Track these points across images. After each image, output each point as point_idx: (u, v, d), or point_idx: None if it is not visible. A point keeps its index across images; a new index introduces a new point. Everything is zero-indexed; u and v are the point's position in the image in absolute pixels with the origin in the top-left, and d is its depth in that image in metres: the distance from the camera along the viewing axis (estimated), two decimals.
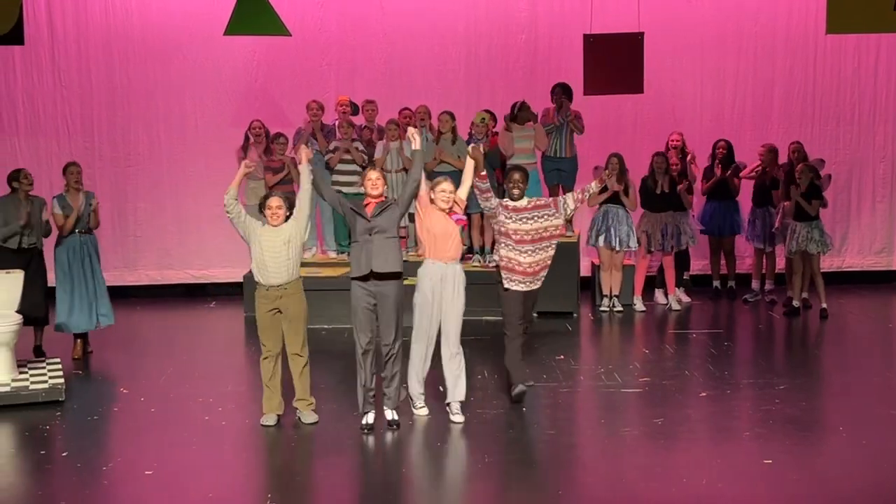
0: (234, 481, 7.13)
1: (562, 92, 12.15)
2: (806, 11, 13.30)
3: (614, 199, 11.91)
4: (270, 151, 12.20)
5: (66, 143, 13.19)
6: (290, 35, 11.17)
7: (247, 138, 12.26)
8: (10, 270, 9.57)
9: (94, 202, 10.42)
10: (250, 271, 12.20)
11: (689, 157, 12.38)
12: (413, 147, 8.39)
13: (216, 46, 12.66)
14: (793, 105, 13.59)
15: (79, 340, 10.53)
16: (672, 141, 12.45)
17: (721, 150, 12.51)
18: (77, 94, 13.21)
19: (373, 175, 8.26)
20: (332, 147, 12.08)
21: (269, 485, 7.05)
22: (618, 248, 11.99)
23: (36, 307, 10.05)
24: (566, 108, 12.07)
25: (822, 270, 11.79)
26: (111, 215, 13.22)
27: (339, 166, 12.06)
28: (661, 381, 9.24)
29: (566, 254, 11.93)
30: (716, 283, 12.88)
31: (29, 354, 10.06)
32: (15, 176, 10.17)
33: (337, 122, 12.30)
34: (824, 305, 11.69)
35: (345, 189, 12.11)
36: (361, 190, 12.01)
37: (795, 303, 11.75)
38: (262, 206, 8.32)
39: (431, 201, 8.26)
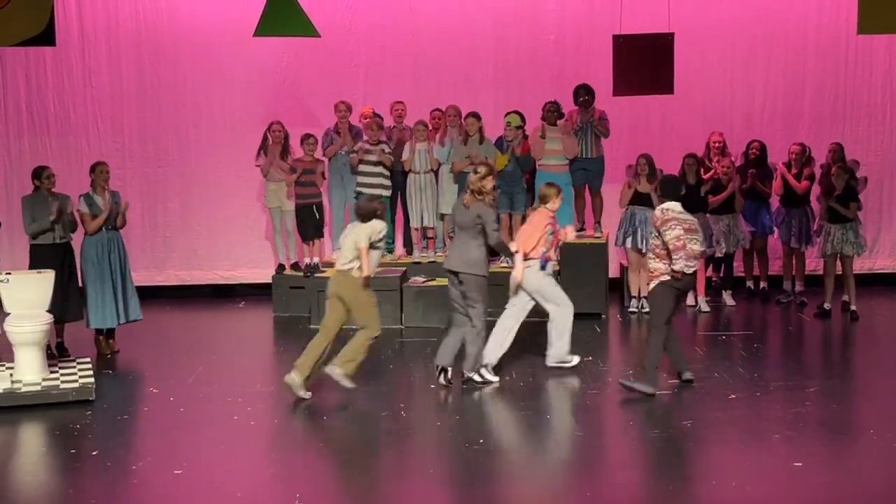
0: (263, 481, 7.15)
1: (584, 93, 12.13)
2: (837, 11, 13.21)
3: (642, 200, 11.86)
4: (288, 154, 12.20)
5: (96, 143, 13.27)
6: (320, 36, 11.19)
7: (265, 139, 12.28)
8: (42, 270, 9.64)
9: (125, 204, 10.50)
10: (277, 272, 12.38)
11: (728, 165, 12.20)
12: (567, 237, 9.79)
13: (246, 47, 12.68)
14: (824, 106, 13.50)
15: (111, 340, 10.61)
16: (714, 143, 12.35)
17: (754, 150, 12.42)
18: (107, 94, 13.30)
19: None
20: (355, 147, 12.09)
21: (297, 485, 7.06)
22: (645, 250, 11.95)
23: (74, 305, 10.17)
24: (590, 112, 12.08)
25: (853, 272, 11.73)
26: (141, 215, 13.29)
27: (363, 167, 12.06)
28: (690, 383, 9.20)
29: (594, 255, 11.92)
30: (749, 284, 12.82)
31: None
32: (38, 174, 10.27)
33: (363, 126, 12.32)
34: (854, 307, 11.62)
35: (367, 191, 12.14)
36: (387, 193, 12.15)
37: (826, 305, 11.68)
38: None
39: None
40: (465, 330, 8.99)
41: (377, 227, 8.79)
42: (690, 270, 8.65)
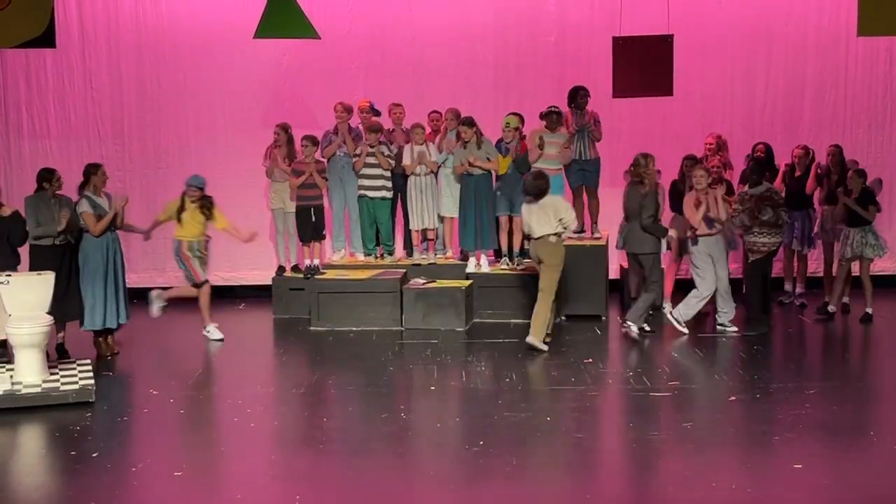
0: (263, 483, 7.15)
1: (579, 96, 12.14)
2: (837, 13, 13.21)
3: None
4: (293, 155, 12.21)
5: (96, 145, 13.29)
6: (320, 38, 11.19)
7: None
8: (42, 272, 9.64)
9: (124, 199, 10.54)
10: (278, 273, 12.38)
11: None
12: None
13: (245, 49, 12.70)
14: (824, 107, 13.50)
15: (110, 338, 10.62)
16: (707, 145, 12.33)
17: (760, 153, 12.36)
18: (107, 96, 13.31)
19: None
20: (357, 151, 12.10)
21: (297, 487, 7.06)
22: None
23: (74, 304, 10.19)
24: (585, 115, 12.09)
25: (852, 275, 11.74)
26: (141, 217, 13.24)
27: (364, 170, 12.08)
28: (690, 385, 9.20)
29: (594, 257, 11.91)
30: None
31: (52, 352, 10.12)
32: (47, 177, 10.25)
33: (360, 126, 12.32)
34: (869, 310, 11.59)
35: (370, 193, 12.15)
36: (388, 194, 12.15)
37: (831, 307, 11.68)
38: None
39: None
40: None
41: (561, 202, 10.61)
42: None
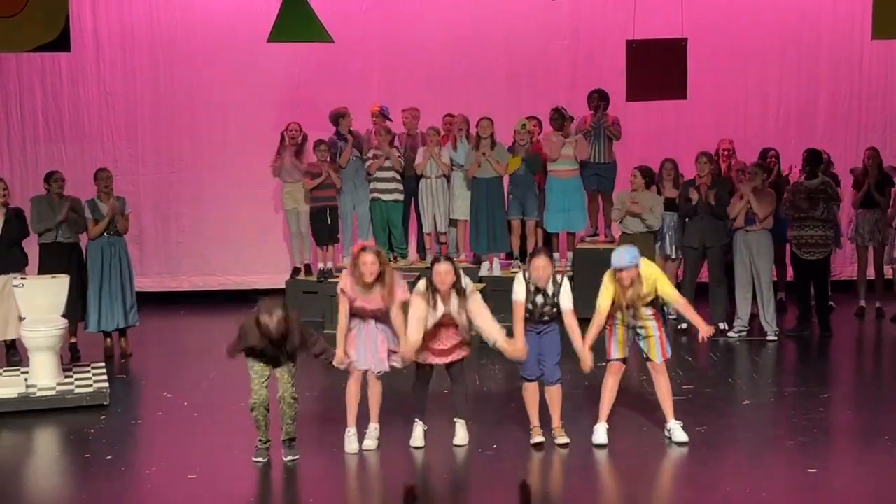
0: (277, 486, 7.16)
1: (598, 98, 12.13)
2: (851, 15, 13.18)
3: (669, 205, 11.63)
4: (303, 156, 12.23)
5: (110, 149, 13.32)
6: (333, 41, 11.20)
7: (282, 139, 12.30)
8: (56, 275, 9.67)
9: (128, 209, 10.59)
10: (293, 275, 12.38)
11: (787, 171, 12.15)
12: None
13: (259, 54, 12.72)
14: (838, 110, 13.47)
15: (123, 339, 10.64)
16: (723, 150, 12.27)
17: (771, 159, 12.22)
18: (122, 101, 13.35)
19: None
20: (369, 154, 12.10)
21: (310, 489, 7.06)
22: (674, 256, 11.72)
23: (74, 306, 10.21)
24: (603, 117, 12.05)
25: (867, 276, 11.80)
26: (154, 222, 13.36)
27: (378, 173, 12.07)
28: (703, 389, 9.18)
29: (608, 260, 11.81)
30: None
31: (65, 354, 10.16)
32: (47, 178, 10.49)
33: (373, 130, 12.30)
34: (878, 304, 11.73)
35: (383, 196, 12.13)
36: (400, 197, 12.14)
37: None
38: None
39: None
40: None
41: None
42: None
